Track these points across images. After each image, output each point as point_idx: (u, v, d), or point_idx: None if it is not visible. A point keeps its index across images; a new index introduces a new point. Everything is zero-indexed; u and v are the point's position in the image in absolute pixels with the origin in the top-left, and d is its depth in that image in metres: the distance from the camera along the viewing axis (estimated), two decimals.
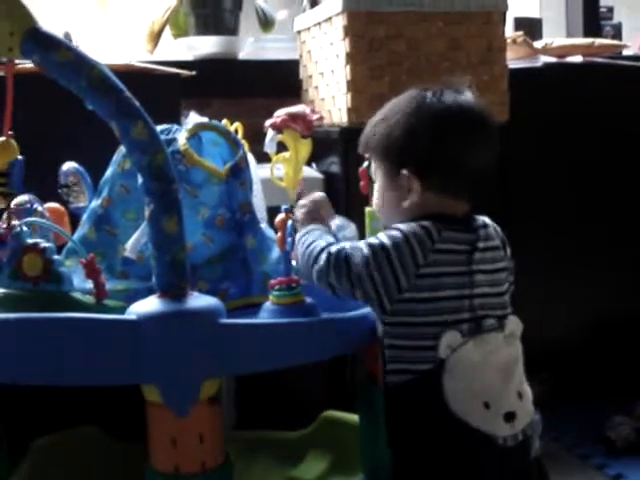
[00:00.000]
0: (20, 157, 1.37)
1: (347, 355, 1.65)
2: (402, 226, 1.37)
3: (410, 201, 1.41)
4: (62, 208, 1.61)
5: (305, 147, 1.67)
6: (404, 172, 1.40)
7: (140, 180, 1.18)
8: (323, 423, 1.82)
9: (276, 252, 1.62)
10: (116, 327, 1.15)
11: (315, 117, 1.71)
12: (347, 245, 1.36)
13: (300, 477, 1.72)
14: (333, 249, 1.35)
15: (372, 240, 1.37)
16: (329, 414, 1.82)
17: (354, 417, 1.73)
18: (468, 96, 1.45)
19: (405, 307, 1.35)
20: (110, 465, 1.74)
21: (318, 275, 1.35)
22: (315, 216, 1.47)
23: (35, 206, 1.47)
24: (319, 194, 1.53)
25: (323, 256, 1.35)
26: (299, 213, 1.48)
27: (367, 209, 1.63)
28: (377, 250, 1.34)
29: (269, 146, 1.67)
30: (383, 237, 1.36)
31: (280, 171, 1.67)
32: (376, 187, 1.49)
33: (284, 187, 1.66)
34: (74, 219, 1.62)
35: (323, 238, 1.40)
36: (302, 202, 1.51)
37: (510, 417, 1.35)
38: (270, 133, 1.68)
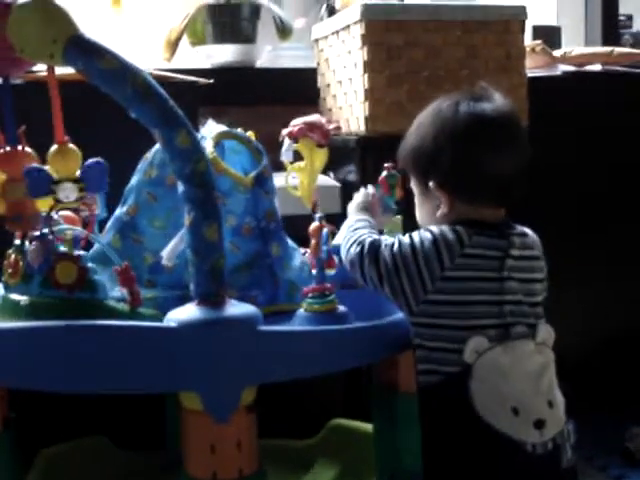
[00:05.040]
0: (99, 159, 1.39)
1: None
2: (434, 228, 1.41)
3: (442, 211, 1.43)
4: (75, 216, 1.60)
5: (320, 157, 1.69)
6: (431, 184, 1.42)
7: (180, 188, 1.18)
8: (331, 431, 1.82)
9: (298, 260, 1.62)
10: (156, 334, 1.16)
11: (332, 127, 1.72)
12: (383, 238, 1.45)
13: None
14: (369, 239, 1.44)
15: (402, 237, 1.42)
16: (337, 422, 1.82)
17: (363, 425, 1.73)
18: (496, 101, 1.45)
19: (431, 309, 1.38)
20: (117, 476, 1.74)
21: (351, 260, 1.45)
22: (366, 207, 1.58)
23: (51, 214, 1.46)
24: (370, 190, 1.63)
25: (361, 245, 1.44)
26: (351, 205, 1.60)
27: None
28: (405, 247, 1.40)
29: (285, 155, 1.69)
30: (414, 235, 1.41)
31: (295, 180, 1.68)
32: (415, 200, 1.54)
33: (299, 196, 1.67)
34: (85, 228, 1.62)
35: (367, 229, 1.48)
36: (356, 195, 1.63)
37: (540, 424, 1.35)
38: (287, 142, 1.69)
